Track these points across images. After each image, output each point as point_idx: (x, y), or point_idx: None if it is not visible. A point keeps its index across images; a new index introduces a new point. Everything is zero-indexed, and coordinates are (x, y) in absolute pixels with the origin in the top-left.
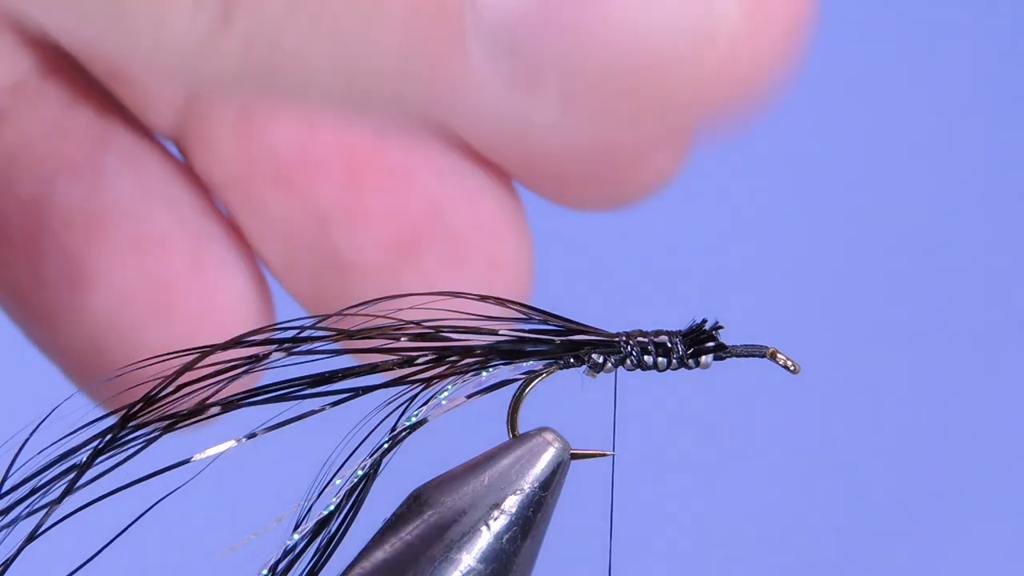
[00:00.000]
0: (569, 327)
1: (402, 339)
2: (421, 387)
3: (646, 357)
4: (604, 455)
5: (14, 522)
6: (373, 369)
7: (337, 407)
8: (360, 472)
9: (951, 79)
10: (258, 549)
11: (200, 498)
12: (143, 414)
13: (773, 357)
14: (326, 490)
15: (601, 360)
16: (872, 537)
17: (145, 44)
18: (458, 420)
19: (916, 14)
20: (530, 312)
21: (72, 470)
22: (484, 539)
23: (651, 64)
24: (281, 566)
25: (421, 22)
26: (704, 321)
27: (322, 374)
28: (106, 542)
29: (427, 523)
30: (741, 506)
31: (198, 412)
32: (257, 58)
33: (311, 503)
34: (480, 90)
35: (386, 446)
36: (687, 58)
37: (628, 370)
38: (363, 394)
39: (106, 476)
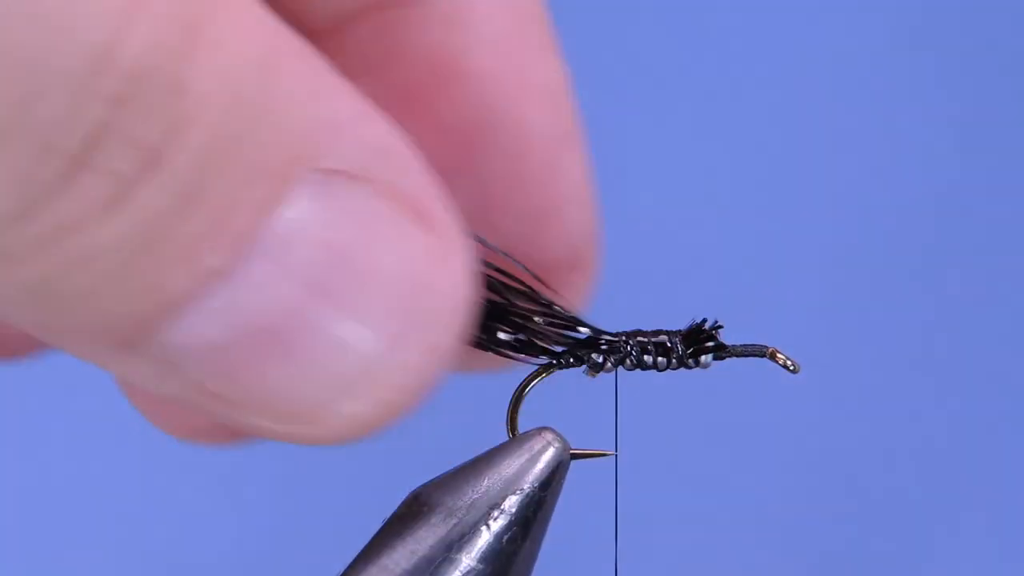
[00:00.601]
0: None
1: None
2: None
3: (645, 357)
4: (604, 455)
5: None
6: None
7: None
8: None
9: (951, 77)
10: None
11: None
12: None
13: (773, 357)
14: None
15: (601, 360)
16: (873, 537)
17: None
18: (458, 420)
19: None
20: (530, 312)
21: None
22: (484, 539)
23: (266, 412)
24: None
25: (118, 330)
26: (704, 321)
27: None
28: None
29: (426, 523)
30: (742, 506)
31: None
32: None
33: None
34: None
35: None
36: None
37: (628, 370)
38: None
39: None
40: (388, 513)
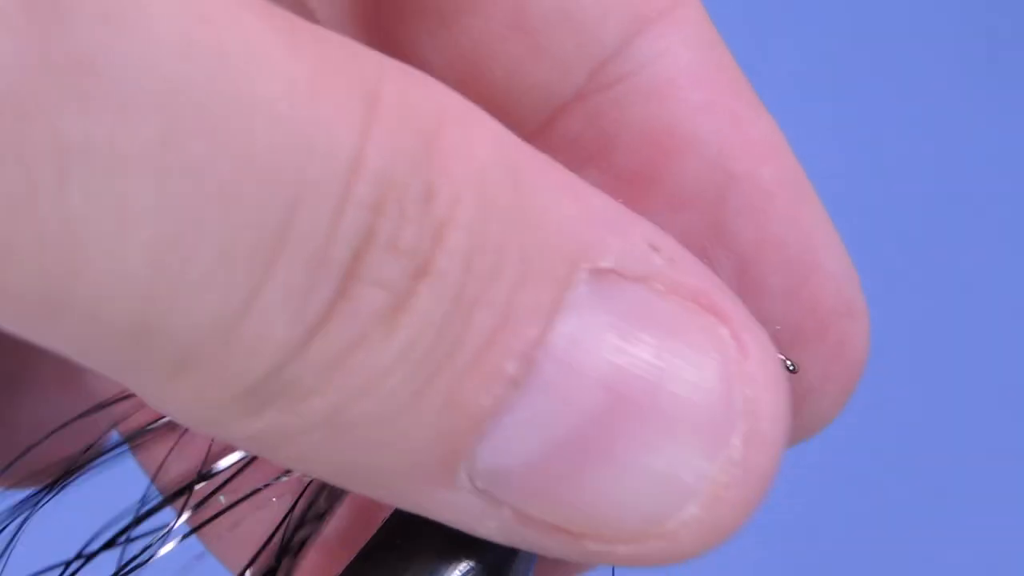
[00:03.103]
0: None
1: None
2: None
3: None
4: None
5: None
6: None
7: None
8: None
9: (952, 75)
10: None
11: None
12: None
13: None
14: None
15: None
16: (874, 538)
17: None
18: None
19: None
20: None
21: None
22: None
23: (601, 533)
24: None
25: (425, 461)
26: None
27: None
28: None
29: (425, 522)
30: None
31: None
32: (267, 440)
33: None
34: (449, 498)
35: None
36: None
37: None
38: None
39: None
40: (387, 512)
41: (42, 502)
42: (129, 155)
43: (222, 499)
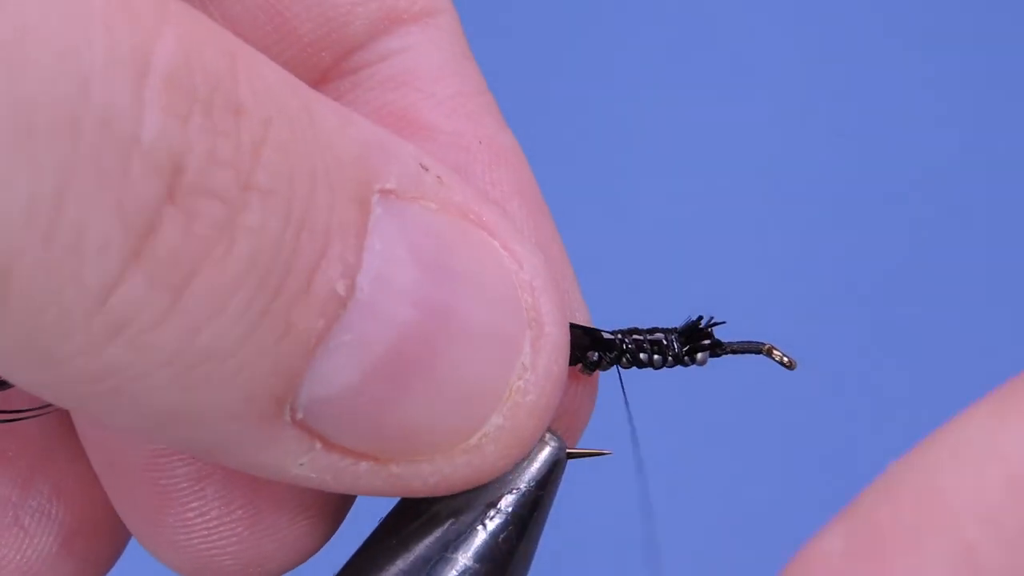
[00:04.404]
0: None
1: None
2: None
3: (641, 355)
4: (601, 454)
5: None
6: None
7: None
8: None
9: (953, 76)
10: None
11: None
12: None
13: (769, 353)
14: None
15: (596, 358)
16: None
17: None
18: None
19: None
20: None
21: None
22: (480, 538)
23: (407, 454)
24: None
25: (261, 396)
26: (700, 318)
27: None
28: None
29: (422, 523)
30: (742, 505)
31: None
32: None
33: None
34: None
35: None
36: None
37: (624, 368)
38: None
39: None
40: (384, 512)
41: None
42: None
43: None
